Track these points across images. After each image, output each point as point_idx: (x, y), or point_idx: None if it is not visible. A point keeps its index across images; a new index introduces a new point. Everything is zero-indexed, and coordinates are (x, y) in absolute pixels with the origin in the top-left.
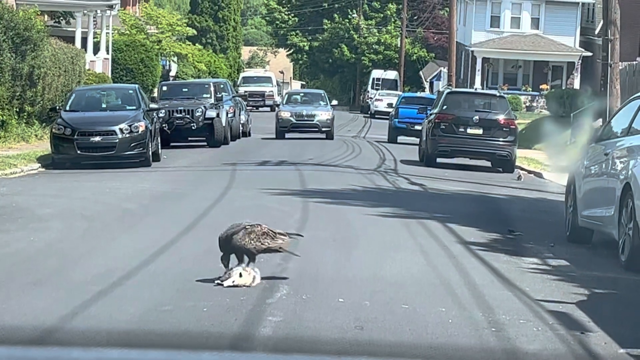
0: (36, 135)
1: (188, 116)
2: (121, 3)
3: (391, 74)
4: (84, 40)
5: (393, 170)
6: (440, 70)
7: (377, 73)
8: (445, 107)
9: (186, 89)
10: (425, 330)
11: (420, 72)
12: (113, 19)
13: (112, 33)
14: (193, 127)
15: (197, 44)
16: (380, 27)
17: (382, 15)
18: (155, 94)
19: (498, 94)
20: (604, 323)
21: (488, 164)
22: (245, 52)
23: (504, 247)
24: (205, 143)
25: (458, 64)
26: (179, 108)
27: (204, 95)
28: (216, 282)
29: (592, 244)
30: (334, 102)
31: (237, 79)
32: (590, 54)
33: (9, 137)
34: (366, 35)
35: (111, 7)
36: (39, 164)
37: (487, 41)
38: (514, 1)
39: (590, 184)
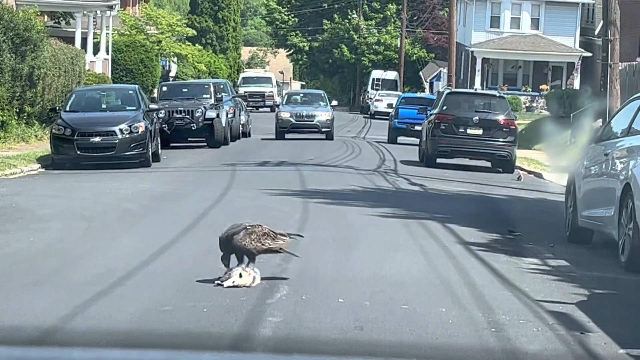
0: (36, 136)
1: (188, 117)
2: (121, 3)
3: (391, 75)
4: (84, 41)
5: (393, 170)
6: (440, 71)
7: (377, 73)
8: (445, 107)
9: (186, 90)
10: (425, 330)
11: (420, 73)
12: (113, 20)
13: (112, 33)
14: (193, 128)
15: (196, 45)
16: (380, 28)
17: (381, 15)
18: (155, 95)
19: (498, 95)
20: (604, 323)
21: (488, 164)
22: (245, 53)
23: (504, 248)
24: (205, 143)
25: (458, 65)
26: (179, 108)
27: (204, 96)
28: (216, 282)
29: (592, 245)
30: (334, 102)
31: (237, 79)
32: (590, 54)
33: (9, 137)
34: (366, 35)
35: (111, 7)
36: (39, 165)
37: (487, 41)
38: (514, 1)
39: (590, 184)
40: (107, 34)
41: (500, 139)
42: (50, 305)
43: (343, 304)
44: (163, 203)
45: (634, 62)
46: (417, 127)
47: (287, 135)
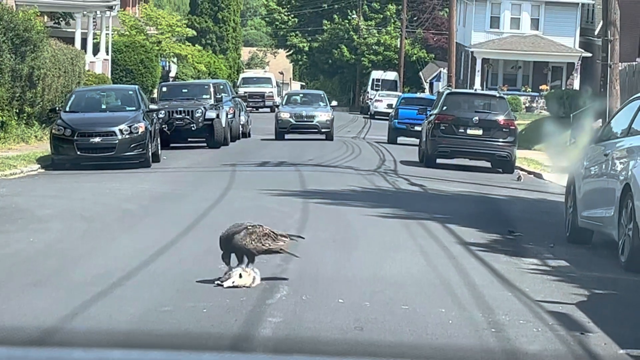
0: (36, 136)
1: (188, 117)
2: (121, 4)
3: (391, 75)
4: (84, 41)
5: (393, 171)
6: (440, 71)
7: (376, 74)
8: (445, 107)
9: (186, 90)
10: (425, 330)
11: (420, 73)
12: (113, 20)
13: (112, 34)
14: (193, 128)
15: (196, 45)
16: (380, 28)
17: (381, 16)
18: (155, 95)
19: (498, 95)
20: (604, 324)
21: (488, 164)
22: (245, 53)
23: (504, 248)
24: (205, 144)
25: (458, 65)
26: (179, 109)
27: (204, 96)
28: (216, 282)
29: (592, 245)
30: (334, 102)
31: (237, 79)
32: (590, 54)
33: (9, 138)
34: (366, 36)
35: (111, 8)
36: (39, 165)
37: (486, 42)
38: (514, 2)
39: (590, 184)
40: (107, 34)
41: (500, 140)
42: (50, 306)
43: (343, 304)
44: (163, 203)
45: (634, 63)
46: (417, 128)
47: (286, 136)
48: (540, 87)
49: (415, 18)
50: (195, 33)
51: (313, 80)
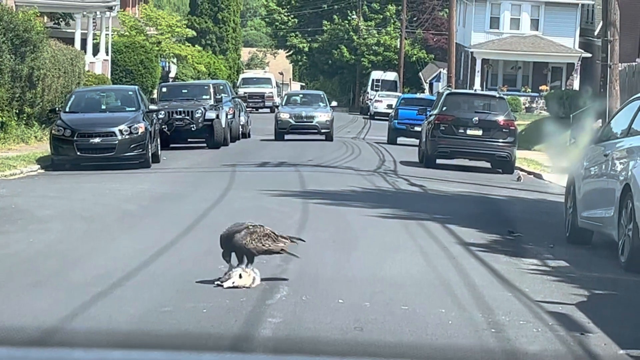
0: (36, 137)
1: (188, 117)
2: (120, 4)
3: (391, 75)
4: (84, 42)
5: (393, 171)
6: (440, 72)
7: (376, 74)
8: (444, 108)
9: (186, 91)
10: (425, 331)
11: (420, 73)
12: (112, 21)
13: (112, 34)
14: (193, 129)
15: (196, 46)
16: (379, 29)
17: (381, 16)
18: (155, 96)
19: (497, 95)
20: (604, 324)
21: (488, 165)
22: (245, 54)
23: (504, 248)
24: (204, 144)
25: (457, 65)
26: (179, 109)
27: (204, 97)
28: (216, 283)
29: (592, 245)
30: (334, 103)
31: (237, 80)
32: (589, 55)
33: (9, 138)
34: (366, 36)
35: (110, 8)
36: (39, 166)
37: (486, 42)
38: (514, 2)
39: (590, 185)
40: (106, 34)
41: (500, 140)
42: (50, 306)
43: (343, 304)
44: (163, 204)
45: (634, 63)
46: (417, 128)
47: (286, 136)
48: (540, 88)
49: (415, 18)
50: (195, 33)
51: (313, 80)
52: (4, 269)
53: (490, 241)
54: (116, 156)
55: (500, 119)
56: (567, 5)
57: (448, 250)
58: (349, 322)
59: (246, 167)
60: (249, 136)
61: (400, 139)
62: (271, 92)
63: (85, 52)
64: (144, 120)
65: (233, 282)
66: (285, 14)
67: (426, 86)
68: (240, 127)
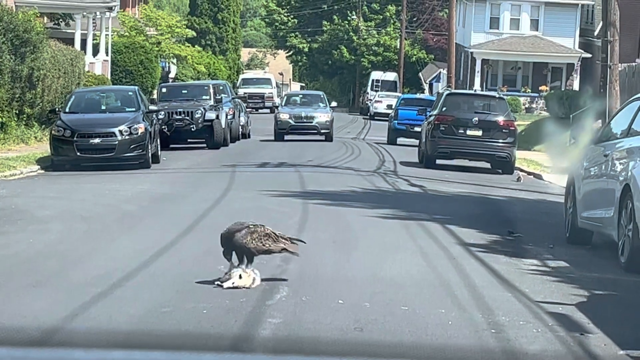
0: (35, 137)
1: (187, 118)
2: (120, 5)
3: (390, 76)
4: (84, 42)
5: (392, 171)
6: (440, 72)
7: (376, 74)
8: (444, 108)
9: (185, 91)
10: (425, 331)
11: (420, 74)
12: (112, 21)
13: (112, 35)
14: (192, 129)
15: (196, 46)
16: (379, 29)
17: (381, 16)
18: (155, 96)
19: (497, 96)
20: (604, 324)
21: (487, 165)
22: (245, 54)
23: (504, 249)
24: (204, 145)
25: (457, 66)
26: (179, 110)
27: (204, 97)
28: (216, 283)
29: (592, 246)
30: (333, 103)
31: (237, 80)
32: (589, 55)
33: (9, 139)
34: (365, 36)
35: (110, 8)
36: (39, 166)
37: (486, 43)
38: (513, 3)
39: (590, 185)
40: (106, 35)
41: (500, 140)
42: (50, 307)
43: (343, 305)
44: (163, 204)
45: (634, 63)
46: (417, 128)
47: (286, 137)
48: (540, 88)
49: (414, 19)
50: (194, 34)
51: (313, 81)
52: (4, 269)
53: (490, 242)
54: (116, 157)
55: (500, 119)
56: (567, 6)
57: (448, 250)
58: (349, 323)
59: (246, 168)
60: (249, 136)
61: (400, 140)
62: (271, 93)
63: (85, 52)
64: (143, 120)
65: (233, 283)
66: (285, 14)
67: (426, 86)
68: (240, 127)
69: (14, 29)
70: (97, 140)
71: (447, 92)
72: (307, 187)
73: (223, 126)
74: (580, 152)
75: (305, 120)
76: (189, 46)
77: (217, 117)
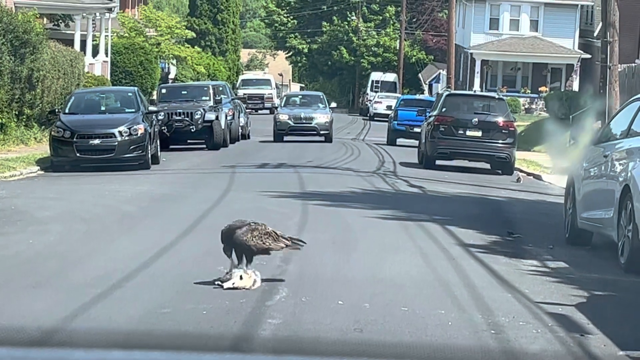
0: (35, 138)
1: (187, 119)
2: (120, 6)
3: (390, 77)
4: (83, 43)
5: (392, 172)
6: (439, 73)
7: (376, 75)
8: (444, 109)
9: (185, 92)
10: (425, 332)
11: (419, 75)
12: (112, 22)
13: (111, 36)
14: (192, 130)
15: (196, 47)
16: (379, 30)
17: (381, 17)
18: (155, 97)
19: (497, 96)
20: (604, 325)
21: (487, 166)
22: (244, 55)
23: (503, 249)
24: (204, 146)
25: (457, 67)
26: (178, 111)
27: (203, 98)
28: (216, 283)
29: (592, 246)
30: (333, 104)
31: (236, 81)
32: (589, 56)
33: (8, 140)
34: (365, 37)
35: (110, 9)
36: (38, 167)
37: (486, 43)
38: (513, 3)
39: (590, 186)
40: (106, 36)
41: (500, 141)
42: (50, 307)
43: (342, 305)
44: (162, 205)
45: (633, 64)
46: (417, 129)
47: (285, 138)
48: (540, 89)
49: (414, 20)
50: (194, 35)
51: (312, 81)
52: (4, 270)
53: (489, 242)
54: (116, 157)
55: (500, 120)
56: (566, 6)
57: (448, 251)
58: (348, 323)
59: (246, 168)
60: (249, 137)
61: (399, 140)
62: (270, 94)
63: (84, 53)
64: (143, 121)
65: (233, 284)
66: (285, 15)
67: (426, 87)
68: (239, 128)
69: (13, 29)
70: (96, 141)
71: (447, 92)
72: (306, 188)
73: (223, 127)
74: (580, 152)
75: (304, 121)
76: (188, 47)
77: (217, 118)
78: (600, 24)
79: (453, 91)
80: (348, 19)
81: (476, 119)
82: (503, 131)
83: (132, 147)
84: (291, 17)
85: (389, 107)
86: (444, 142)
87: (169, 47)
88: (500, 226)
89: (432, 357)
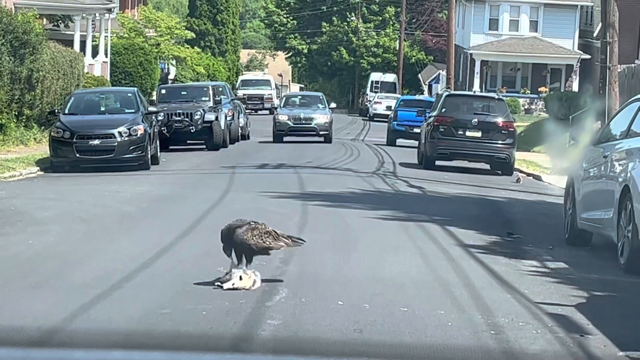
0: (35, 139)
1: (187, 119)
2: (120, 6)
3: (390, 77)
4: (83, 44)
5: (392, 173)
6: (439, 73)
7: (375, 76)
8: (444, 109)
9: (185, 92)
10: (425, 332)
11: (419, 75)
12: (112, 22)
13: (111, 36)
14: (192, 130)
15: (195, 47)
16: (378, 30)
17: (380, 18)
18: (154, 97)
19: (497, 97)
20: (603, 326)
21: (487, 166)
22: (244, 55)
23: (503, 250)
24: (204, 146)
25: (457, 67)
26: (178, 111)
27: (203, 99)
28: (216, 283)
29: (591, 247)
30: (333, 104)
31: (236, 82)
32: (588, 56)
33: (8, 140)
34: (365, 38)
35: (110, 10)
36: (38, 168)
37: (485, 44)
38: (513, 4)
39: (589, 186)
40: (105, 36)
41: (499, 142)
42: (50, 308)
43: (342, 306)
44: (162, 205)
45: (633, 65)
46: (416, 130)
47: (285, 138)
48: (539, 89)
49: (414, 20)
50: (194, 35)
51: (312, 82)
52: (3, 270)
53: (489, 243)
54: (115, 158)
55: (500, 120)
56: (566, 7)
57: (447, 251)
58: (348, 324)
59: (245, 169)
60: (248, 138)
61: (399, 141)
62: (270, 94)
63: (84, 54)
64: (143, 122)
65: (233, 284)
66: (284, 15)
67: (425, 88)
68: (239, 128)
69: (13, 30)
70: (96, 142)
71: (447, 93)
72: (306, 189)
73: (222, 127)
74: (580, 153)
75: (304, 122)
76: (188, 47)
77: (217, 118)
78: (600, 24)
79: (453, 92)
80: (348, 19)
81: (476, 120)
82: (503, 132)
83: (131, 148)
84: (291, 18)
85: (388, 108)
86: (443, 143)
87: (168, 47)
88: (500, 227)
89: (431, 358)
